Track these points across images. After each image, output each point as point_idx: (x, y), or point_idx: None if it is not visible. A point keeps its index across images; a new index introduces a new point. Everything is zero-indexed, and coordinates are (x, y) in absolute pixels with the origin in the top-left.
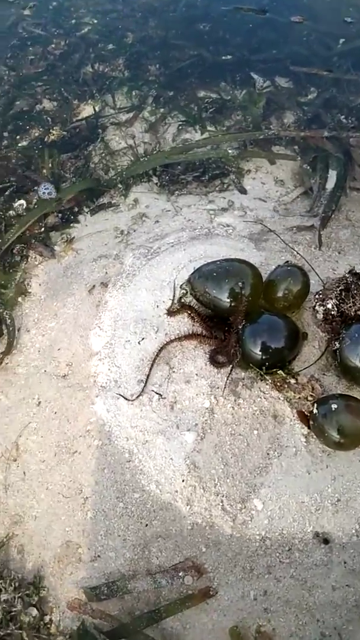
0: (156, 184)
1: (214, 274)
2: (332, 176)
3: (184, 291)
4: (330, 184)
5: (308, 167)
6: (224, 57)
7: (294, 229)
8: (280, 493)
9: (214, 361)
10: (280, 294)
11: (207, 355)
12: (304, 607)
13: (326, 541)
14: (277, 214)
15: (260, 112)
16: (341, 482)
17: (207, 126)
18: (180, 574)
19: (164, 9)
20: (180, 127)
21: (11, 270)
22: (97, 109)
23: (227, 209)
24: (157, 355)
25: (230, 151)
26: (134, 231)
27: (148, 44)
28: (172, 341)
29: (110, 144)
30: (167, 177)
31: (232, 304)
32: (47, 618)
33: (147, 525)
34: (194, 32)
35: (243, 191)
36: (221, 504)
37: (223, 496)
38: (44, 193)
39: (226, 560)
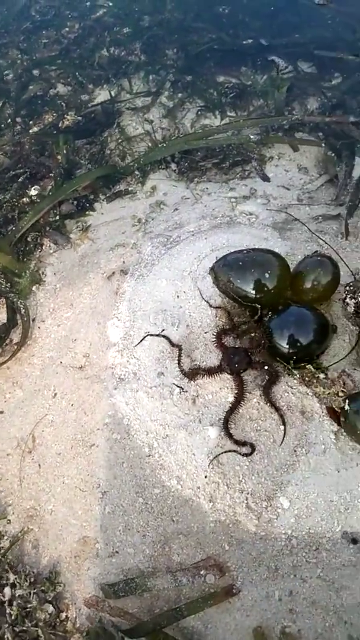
0: (174, 170)
1: (240, 263)
2: (359, 163)
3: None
4: (357, 172)
5: (333, 155)
6: (244, 42)
7: (320, 218)
8: (308, 491)
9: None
10: (308, 285)
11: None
12: (331, 608)
13: (355, 541)
14: (302, 203)
15: (283, 97)
16: None
17: (227, 111)
18: (202, 572)
19: None
20: (199, 113)
21: (25, 259)
22: (113, 93)
23: (250, 196)
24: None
25: (252, 137)
26: (152, 219)
27: (165, 28)
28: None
29: (127, 129)
30: (186, 164)
31: (257, 295)
32: (63, 615)
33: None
34: (212, 14)
35: (266, 179)
36: (246, 501)
37: (248, 493)
38: None
39: (250, 559)
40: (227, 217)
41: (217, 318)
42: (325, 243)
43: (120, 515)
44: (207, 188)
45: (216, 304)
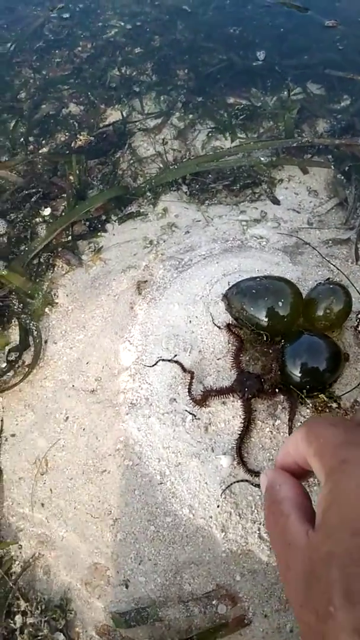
0: (186, 192)
1: (253, 291)
2: None
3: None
4: None
5: (342, 177)
6: (254, 63)
7: (330, 242)
8: None
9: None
10: (320, 313)
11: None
12: None
13: None
14: (312, 226)
15: (293, 119)
16: None
17: (237, 133)
18: (213, 602)
19: (193, 12)
20: (210, 134)
21: (38, 280)
22: (124, 114)
23: (260, 220)
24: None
25: (262, 159)
26: (164, 241)
27: (176, 48)
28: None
29: (138, 150)
30: (197, 186)
31: (270, 323)
32: None
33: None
34: (223, 35)
35: (276, 201)
36: (258, 531)
37: (260, 524)
38: None
39: (262, 590)
40: (238, 240)
41: (230, 344)
42: (337, 269)
43: (131, 543)
44: (219, 211)
45: (223, 324)
